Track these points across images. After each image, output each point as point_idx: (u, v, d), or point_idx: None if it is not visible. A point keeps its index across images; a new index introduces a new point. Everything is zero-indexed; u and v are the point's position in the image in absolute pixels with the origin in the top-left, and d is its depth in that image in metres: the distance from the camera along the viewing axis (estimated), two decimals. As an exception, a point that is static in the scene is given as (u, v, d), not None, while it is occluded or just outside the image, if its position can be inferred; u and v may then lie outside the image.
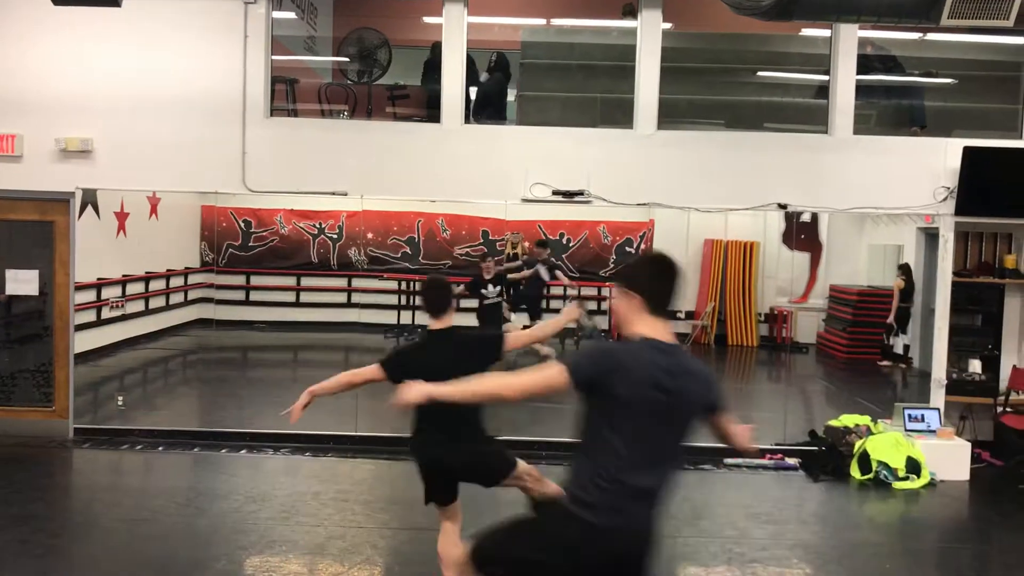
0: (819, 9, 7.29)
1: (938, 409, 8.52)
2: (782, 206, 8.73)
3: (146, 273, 13.33)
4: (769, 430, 9.21)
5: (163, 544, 6.02)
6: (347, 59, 9.54)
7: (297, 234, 15.29)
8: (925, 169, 8.59)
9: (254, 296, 15.33)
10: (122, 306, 12.55)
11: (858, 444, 8.17)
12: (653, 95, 8.61)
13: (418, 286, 14.84)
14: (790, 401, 10.86)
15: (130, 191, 10.74)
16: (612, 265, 15.06)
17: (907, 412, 8.42)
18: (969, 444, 8.34)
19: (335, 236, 15.24)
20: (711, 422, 3.28)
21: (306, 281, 15.41)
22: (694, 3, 10.63)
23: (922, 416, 8.41)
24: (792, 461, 8.40)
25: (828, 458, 8.24)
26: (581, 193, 8.60)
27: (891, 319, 13.64)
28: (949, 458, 8.13)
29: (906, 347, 13.66)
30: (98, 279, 11.77)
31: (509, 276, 11.45)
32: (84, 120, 8.46)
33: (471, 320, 11.30)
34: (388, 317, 14.49)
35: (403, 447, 8.41)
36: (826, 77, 8.82)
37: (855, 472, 8.04)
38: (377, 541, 6.17)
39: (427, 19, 9.43)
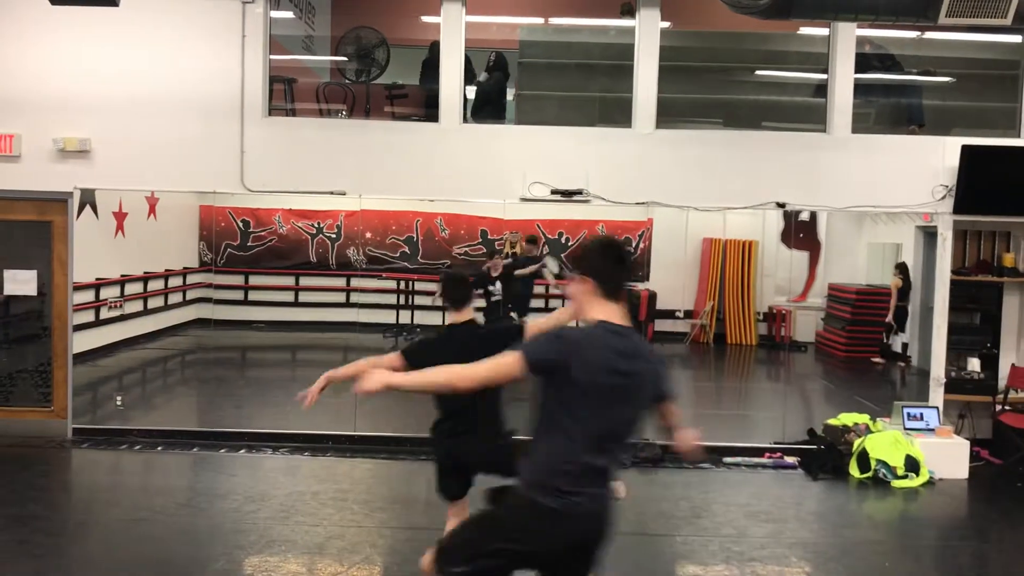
0: (817, 8, 7.30)
1: (937, 407, 8.52)
2: (781, 205, 8.73)
3: (144, 273, 13.31)
4: (768, 429, 9.22)
5: (162, 544, 6.02)
6: (345, 58, 9.54)
7: (296, 234, 15.28)
8: (923, 168, 8.59)
9: (253, 296, 15.31)
10: (120, 306, 12.53)
11: (857, 443, 8.17)
12: (651, 94, 8.61)
13: (416, 286, 14.95)
14: (789, 400, 10.87)
15: (128, 191, 10.73)
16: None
17: (906, 410, 8.43)
18: (968, 442, 8.35)
19: (334, 236, 15.24)
20: (659, 409, 3.33)
21: (305, 281, 15.40)
22: (692, 2, 10.64)
23: (921, 414, 8.42)
24: (791, 460, 8.40)
25: (827, 457, 8.24)
26: (580, 192, 8.60)
27: (890, 318, 13.65)
28: (948, 456, 8.14)
29: (904, 345, 13.68)
30: (97, 279, 11.75)
31: (516, 273, 11.45)
32: (82, 120, 8.45)
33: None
34: (387, 317, 14.48)
35: (402, 447, 8.46)
36: (824, 76, 8.83)
37: (854, 470, 8.05)
38: (376, 540, 6.17)
39: (425, 18, 9.43)
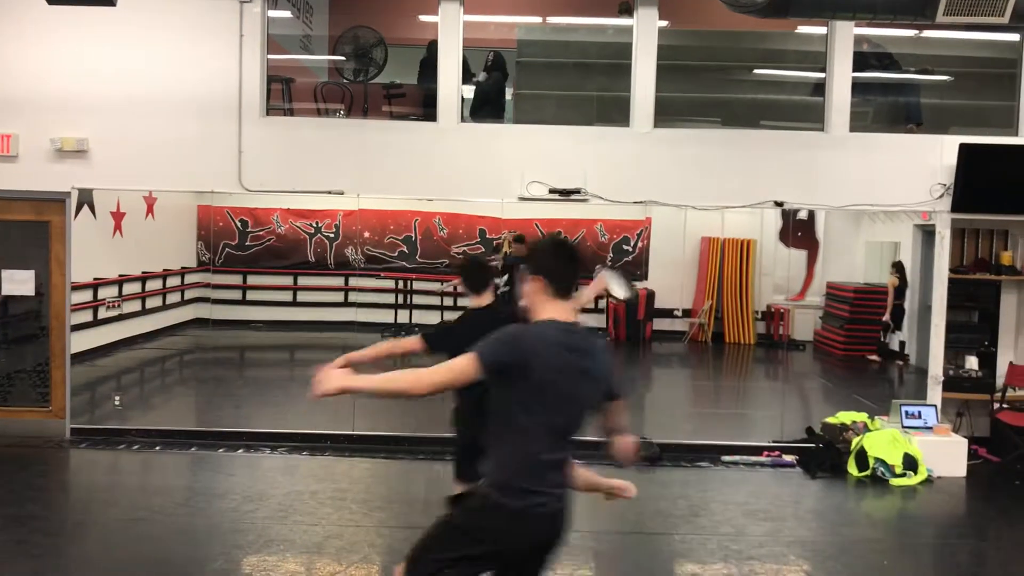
0: (815, 6, 7.30)
1: (935, 406, 8.53)
2: (779, 204, 8.73)
3: (143, 273, 13.32)
4: (766, 427, 9.23)
5: (160, 543, 6.01)
6: (343, 58, 9.54)
7: (294, 233, 15.28)
8: (921, 166, 8.60)
9: (251, 295, 15.32)
10: (119, 306, 12.54)
11: (855, 441, 8.18)
12: (649, 93, 8.61)
13: (415, 285, 14.96)
14: (787, 398, 10.87)
15: (126, 191, 10.75)
16: (609, 263, 15.06)
17: (904, 409, 8.44)
18: (966, 440, 8.36)
19: (332, 235, 15.24)
20: (607, 407, 3.35)
21: (303, 280, 15.41)
22: (690, 1, 10.64)
23: (919, 413, 8.43)
24: (789, 458, 8.40)
25: (825, 455, 8.25)
26: (578, 191, 8.60)
27: (887, 317, 13.67)
28: (946, 454, 8.15)
29: (901, 344, 13.69)
30: (94, 279, 11.76)
31: (523, 266, 11.48)
32: (80, 120, 8.44)
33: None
34: (385, 316, 14.50)
35: (400, 446, 8.46)
36: (822, 74, 8.83)
37: (852, 469, 8.05)
38: (375, 540, 6.17)
39: (423, 17, 9.43)
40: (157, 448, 8.38)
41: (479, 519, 3.11)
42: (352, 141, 8.68)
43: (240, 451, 8.31)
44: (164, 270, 14.05)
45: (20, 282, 8.67)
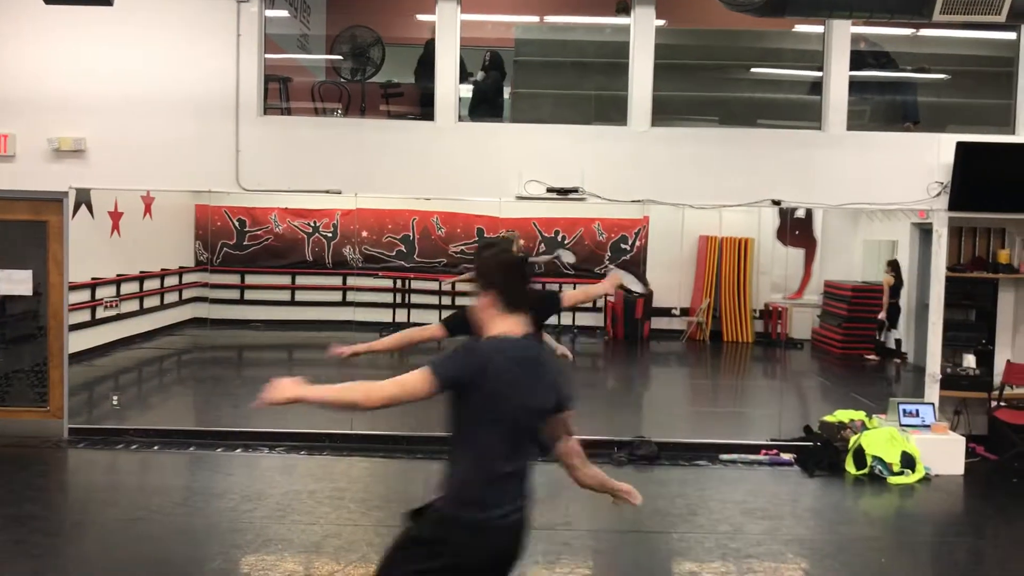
0: (812, 5, 7.30)
1: (932, 404, 8.54)
2: (776, 202, 8.74)
3: (140, 272, 13.31)
4: (764, 426, 9.24)
5: (159, 543, 6.01)
6: (340, 57, 9.54)
7: (292, 233, 15.28)
8: (919, 164, 8.60)
9: (249, 295, 15.32)
10: (116, 306, 12.53)
11: (853, 439, 8.18)
12: (647, 92, 8.61)
13: (413, 284, 14.96)
14: (785, 397, 10.89)
15: (124, 191, 10.74)
16: (607, 262, 15.08)
17: (902, 407, 8.44)
18: (963, 438, 8.36)
19: (330, 234, 15.24)
20: (556, 418, 3.37)
21: (301, 280, 15.41)
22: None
23: (917, 411, 8.43)
24: (787, 456, 8.41)
25: (823, 453, 8.25)
26: (575, 190, 8.60)
27: (882, 315, 13.71)
28: (944, 452, 8.15)
29: (898, 342, 13.73)
30: (92, 279, 11.75)
31: (529, 260, 11.44)
32: (77, 120, 8.43)
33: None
34: (383, 315, 14.49)
35: (399, 445, 8.46)
36: (819, 73, 8.83)
37: (850, 467, 8.06)
38: (373, 539, 6.17)
39: (420, 17, 9.43)
40: (155, 448, 8.38)
41: (437, 533, 3.11)
42: (350, 140, 8.68)
43: (238, 451, 8.31)
44: (162, 270, 14.05)
45: (18, 282, 8.66)
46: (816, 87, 8.91)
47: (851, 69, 8.69)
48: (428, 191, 9.24)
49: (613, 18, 9.37)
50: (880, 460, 7.93)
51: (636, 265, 15.03)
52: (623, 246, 15.13)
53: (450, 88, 8.61)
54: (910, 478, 7.89)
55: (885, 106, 9.63)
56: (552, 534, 6.15)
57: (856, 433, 8.26)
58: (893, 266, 13.78)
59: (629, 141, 8.65)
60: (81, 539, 6.21)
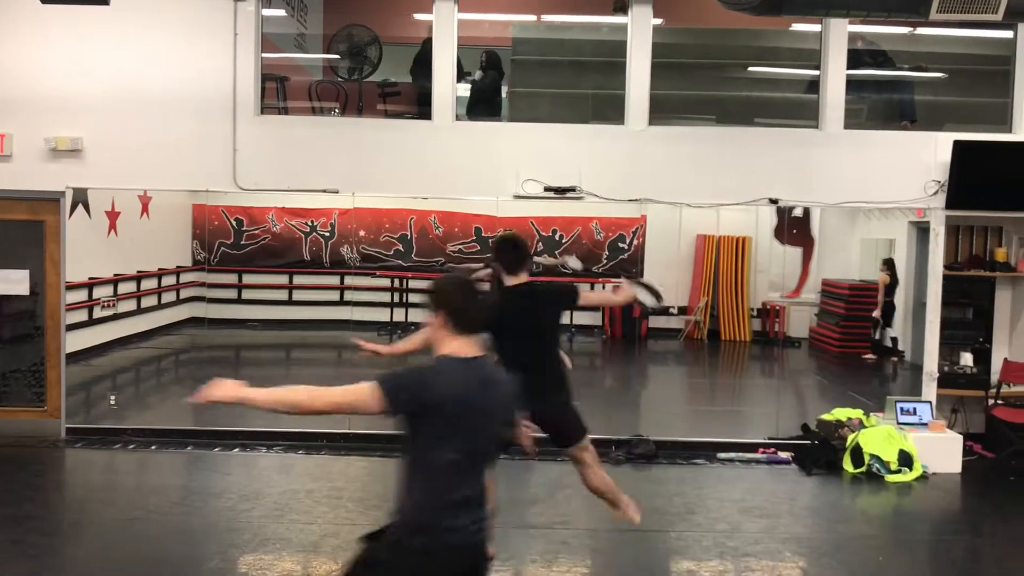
0: (809, 4, 7.30)
1: (930, 402, 8.54)
2: (773, 201, 8.74)
3: (138, 272, 13.29)
4: (762, 424, 9.25)
5: (156, 543, 6.01)
6: (337, 56, 9.53)
7: (289, 232, 15.27)
8: (916, 163, 8.61)
9: (246, 294, 15.31)
10: (114, 305, 12.51)
11: (851, 438, 8.19)
12: (644, 91, 8.61)
13: (410, 284, 14.95)
14: (783, 395, 10.89)
15: (121, 190, 10.71)
16: (605, 261, 15.08)
17: (899, 405, 8.45)
18: (961, 437, 8.37)
19: (327, 234, 15.23)
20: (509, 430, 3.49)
21: (298, 279, 15.39)
22: (684, -2, 10.66)
23: (914, 409, 8.44)
24: (785, 455, 8.42)
25: (821, 452, 8.26)
26: (573, 189, 8.60)
27: (877, 313, 13.73)
28: (941, 451, 8.16)
29: (893, 339, 13.75)
30: (89, 278, 11.73)
31: (536, 259, 11.39)
32: (74, 119, 8.43)
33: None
34: (381, 315, 14.49)
35: (396, 444, 8.43)
36: (816, 72, 8.83)
37: (848, 465, 8.07)
38: (371, 538, 6.17)
39: (417, 16, 9.42)
40: (153, 447, 8.38)
41: (391, 558, 3.11)
42: (347, 139, 8.67)
43: (236, 450, 8.31)
44: (159, 269, 14.03)
45: (15, 282, 8.66)
46: (813, 86, 8.91)
47: (848, 68, 8.69)
48: (425, 190, 9.24)
49: (610, 17, 9.37)
50: (878, 458, 7.94)
51: (633, 264, 15.03)
52: (621, 245, 15.13)
53: (447, 87, 8.61)
54: (908, 476, 7.89)
55: (882, 105, 9.64)
56: (550, 533, 6.16)
57: (854, 431, 8.26)
58: (888, 264, 13.80)
59: (626, 140, 8.65)
60: (79, 539, 6.20)
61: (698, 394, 12.55)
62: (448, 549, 3.07)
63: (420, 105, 9.03)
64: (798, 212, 14.60)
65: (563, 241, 14.97)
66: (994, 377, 8.87)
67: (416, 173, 8.63)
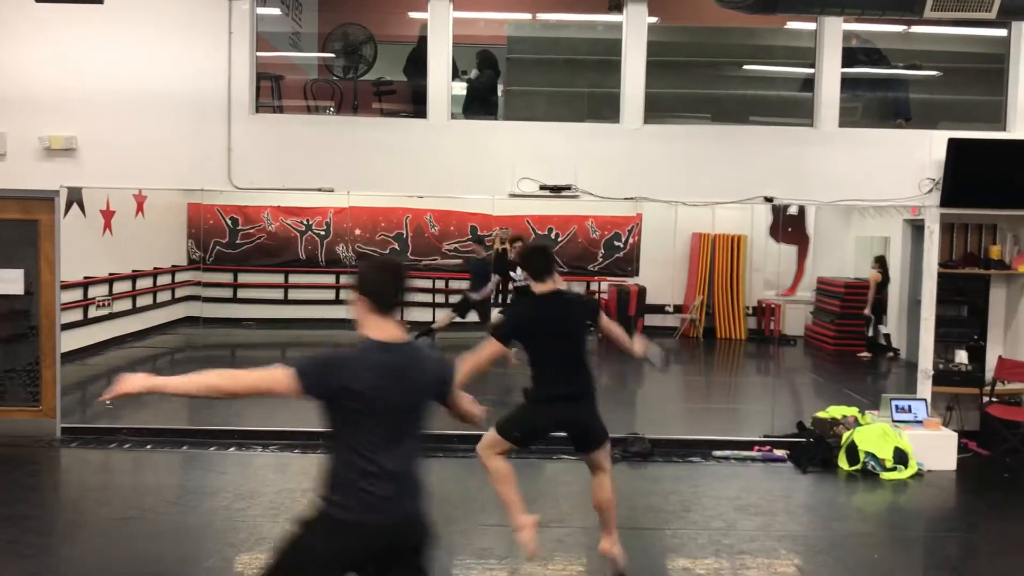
0: (804, 2, 7.31)
1: (925, 400, 8.56)
2: (768, 199, 8.75)
3: (133, 271, 13.27)
4: (757, 422, 9.26)
5: (152, 542, 6.01)
6: (332, 55, 9.52)
7: (284, 231, 15.25)
8: (910, 161, 8.63)
9: (242, 293, 15.29)
10: (109, 305, 12.50)
11: (846, 435, 8.21)
12: (639, 89, 8.62)
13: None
14: (778, 393, 10.90)
15: (116, 189, 10.70)
16: (600, 260, 15.08)
17: (894, 403, 8.47)
18: (956, 434, 8.39)
19: (323, 233, 15.21)
20: (447, 406, 3.53)
21: (294, 278, 15.38)
22: (679, -3, 10.67)
23: (909, 407, 8.46)
24: (780, 453, 8.43)
25: (816, 449, 8.27)
26: (568, 188, 8.60)
27: (867, 310, 13.77)
28: (936, 448, 8.18)
29: (886, 336, 13.79)
30: (84, 278, 11.72)
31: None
32: (68, 118, 8.41)
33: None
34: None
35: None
36: (811, 70, 8.85)
37: (843, 463, 8.08)
38: (367, 537, 6.17)
39: (412, 14, 9.41)
40: (148, 447, 8.37)
41: (312, 529, 3.22)
42: (342, 138, 8.67)
43: (231, 449, 8.31)
44: (154, 268, 14.01)
45: (9, 281, 8.64)
46: (808, 84, 8.92)
47: (843, 66, 8.71)
48: (421, 189, 9.23)
49: (605, 15, 9.37)
50: (873, 456, 7.95)
51: (629, 262, 15.04)
52: (616, 243, 15.13)
53: (443, 85, 8.60)
54: (903, 474, 7.91)
55: (877, 103, 9.66)
56: (546, 531, 6.16)
57: (849, 429, 8.28)
58: (880, 262, 13.85)
59: (622, 138, 8.66)
60: (74, 539, 6.19)
61: (693, 392, 12.55)
62: (367, 522, 3.15)
63: (415, 104, 9.03)
64: (793, 210, 14.62)
65: (559, 239, 14.98)
66: (989, 375, 8.90)
67: (411, 172, 8.62)
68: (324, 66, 9.89)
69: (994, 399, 8.76)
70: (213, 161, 8.50)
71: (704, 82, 9.89)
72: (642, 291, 15.02)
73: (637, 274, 15.15)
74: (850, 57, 8.90)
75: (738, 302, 15.33)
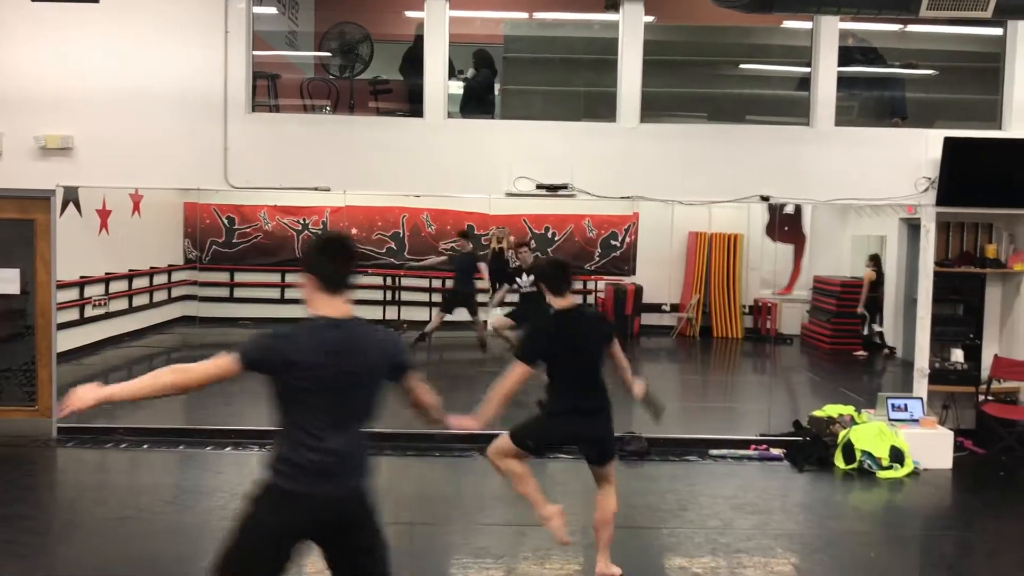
0: (799, 1, 7.32)
1: (921, 398, 8.57)
2: (765, 198, 8.75)
3: (129, 271, 13.26)
4: (754, 421, 9.27)
5: (148, 542, 6.00)
6: (329, 54, 9.51)
7: (281, 230, 15.24)
8: (907, 160, 8.64)
9: (238, 293, 15.28)
10: (105, 304, 12.48)
11: (842, 434, 8.22)
12: (636, 88, 8.62)
13: (403, 281, 14.94)
14: (775, 392, 10.92)
15: (112, 188, 10.68)
16: (597, 259, 15.09)
17: (890, 402, 8.48)
18: (952, 433, 8.41)
19: (319, 232, 15.19)
20: (400, 385, 3.54)
21: (291, 277, 15.35)
22: (676, -4, 10.66)
23: (905, 405, 8.47)
24: (777, 451, 8.44)
25: (812, 448, 8.28)
26: (565, 187, 8.60)
27: (861, 308, 13.79)
28: (932, 447, 8.19)
29: (880, 334, 13.82)
30: (81, 277, 11.70)
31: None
32: (64, 117, 8.39)
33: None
34: (373, 312, 14.46)
35: (388, 442, 8.42)
36: (807, 69, 8.85)
37: (839, 462, 8.09)
38: (364, 536, 6.16)
39: (409, 13, 9.40)
40: (145, 446, 8.36)
41: (259, 503, 3.29)
42: (338, 137, 8.66)
43: (228, 448, 8.30)
44: (151, 268, 14.00)
45: (5, 280, 8.62)
46: (804, 83, 8.93)
47: (839, 65, 8.72)
48: (417, 188, 9.22)
49: (602, 14, 9.38)
50: (869, 455, 7.96)
51: (625, 261, 15.05)
52: (613, 242, 15.14)
53: (439, 85, 8.60)
54: (899, 472, 7.92)
55: (873, 102, 9.67)
56: (542, 531, 6.15)
57: (845, 428, 8.29)
58: (874, 260, 13.88)
59: (618, 137, 8.66)
60: (70, 538, 6.18)
61: (690, 391, 12.56)
62: (314, 493, 3.22)
63: (412, 103, 9.02)
64: (789, 209, 14.64)
65: (556, 238, 14.99)
66: (984, 373, 8.91)
67: (408, 171, 8.62)
68: (320, 65, 9.88)
69: (990, 398, 8.77)
70: (209, 160, 8.48)
71: (700, 81, 9.89)
72: (639, 290, 15.04)
73: (634, 273, 15.17)
74: (846, 56, 8.91)
75: (734, 301, 15.35)
